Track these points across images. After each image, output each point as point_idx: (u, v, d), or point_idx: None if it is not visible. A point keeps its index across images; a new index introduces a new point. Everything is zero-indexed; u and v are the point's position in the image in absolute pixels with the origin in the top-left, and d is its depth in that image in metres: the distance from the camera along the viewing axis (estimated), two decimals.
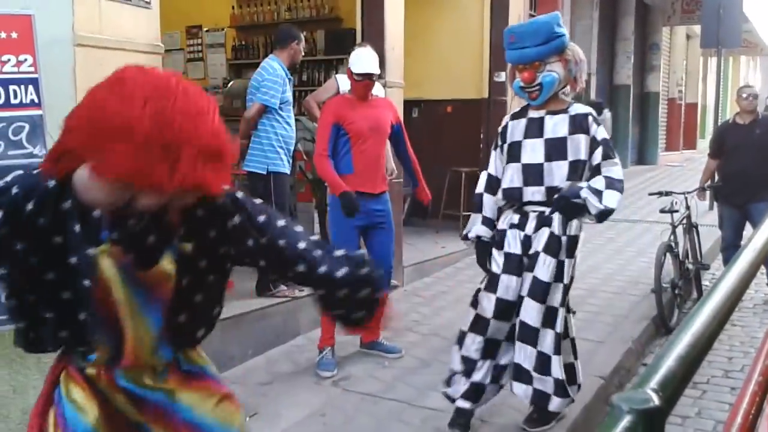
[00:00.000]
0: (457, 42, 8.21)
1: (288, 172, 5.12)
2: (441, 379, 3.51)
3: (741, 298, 1.55)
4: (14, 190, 1.47)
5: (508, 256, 3.36)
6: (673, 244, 5.61)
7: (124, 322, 1.59)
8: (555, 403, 3.38)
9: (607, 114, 9.49)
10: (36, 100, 2.95)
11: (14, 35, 2.87)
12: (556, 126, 3.33)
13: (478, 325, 3.39)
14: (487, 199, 3.50)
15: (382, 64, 5.00)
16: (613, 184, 3.24)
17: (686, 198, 6.01)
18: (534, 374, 3.35)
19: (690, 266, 5.97)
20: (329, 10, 8.27)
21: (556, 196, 3.29)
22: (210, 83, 9.61)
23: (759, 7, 17.44)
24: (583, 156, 3.29)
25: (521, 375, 3.39)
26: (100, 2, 3.35)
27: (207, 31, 9.89)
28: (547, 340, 3.32)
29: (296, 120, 6.45)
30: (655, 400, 0.81)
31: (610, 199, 3.22)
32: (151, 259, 1.57)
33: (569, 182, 3.28)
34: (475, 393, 3.45)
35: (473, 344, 3.41)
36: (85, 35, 3.31)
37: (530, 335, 3.32)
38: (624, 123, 13.49)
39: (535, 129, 3.37)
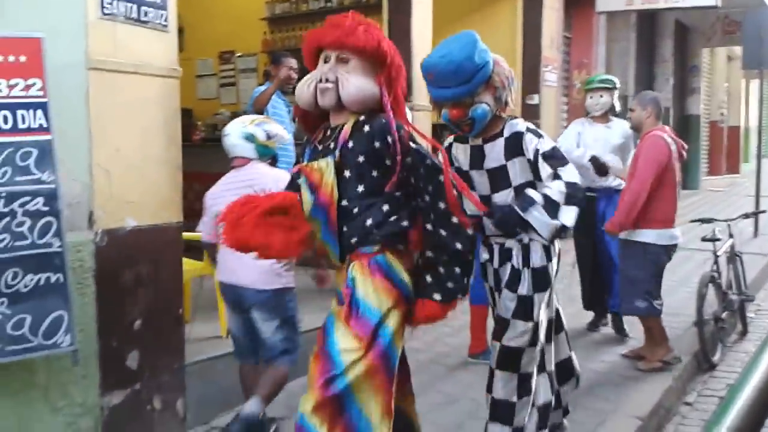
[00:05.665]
0: None
1: None
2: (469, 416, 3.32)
3: None
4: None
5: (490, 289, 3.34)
6: (715, 275, 5.33)
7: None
8: None
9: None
10: (45, 125, 2.85)
11: (22, 59, 2.79)
12: (494, 153, 3.12)
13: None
14: None
15: (409, 87, 4.89)
16: (572, 196, 2.97)
17: (729, 225, 5.73)
18: None
19: (734, 297, 5.67)
20: None
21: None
22: (242, 108, 9.59)
23: None
24: (525, 179, 3.08)
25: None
26: (116, 25, 3.26)
27: (239, 56, 9.90)
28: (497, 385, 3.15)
29: None
30: None
31: (568, 215, 2.96)
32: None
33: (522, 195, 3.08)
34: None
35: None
36: (99, 59, 3.21)
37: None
38: None
39: (477, 159, 3.16)
